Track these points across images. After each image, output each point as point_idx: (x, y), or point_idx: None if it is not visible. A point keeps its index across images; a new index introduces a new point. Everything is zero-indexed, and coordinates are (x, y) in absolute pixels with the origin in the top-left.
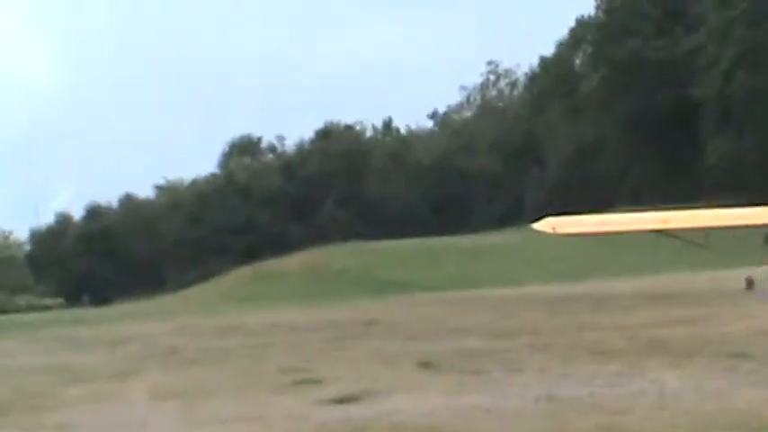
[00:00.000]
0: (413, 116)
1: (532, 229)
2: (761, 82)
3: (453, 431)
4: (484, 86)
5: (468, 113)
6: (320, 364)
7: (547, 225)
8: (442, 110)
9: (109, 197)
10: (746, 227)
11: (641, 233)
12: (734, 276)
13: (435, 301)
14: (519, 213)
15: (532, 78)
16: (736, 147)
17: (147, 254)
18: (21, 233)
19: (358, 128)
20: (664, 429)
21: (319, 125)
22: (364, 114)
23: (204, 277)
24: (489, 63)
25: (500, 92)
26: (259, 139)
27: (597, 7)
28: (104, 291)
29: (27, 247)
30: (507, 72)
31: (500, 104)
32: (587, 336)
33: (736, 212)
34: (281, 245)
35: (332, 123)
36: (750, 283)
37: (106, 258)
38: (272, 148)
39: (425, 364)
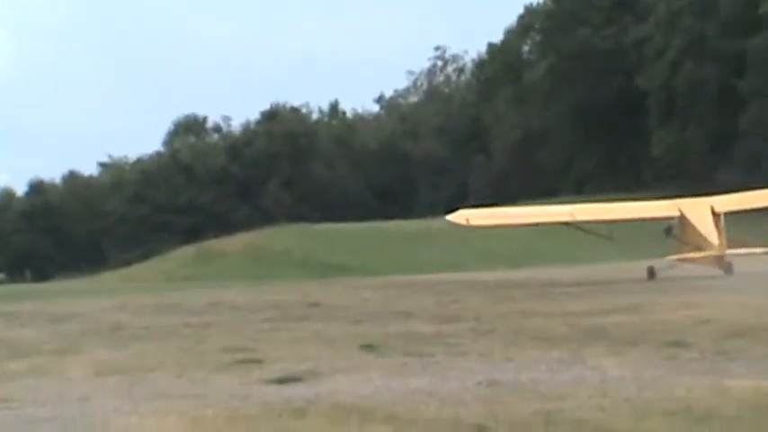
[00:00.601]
0: (359, 100)
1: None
2: (706, 73)
3: (394, 413)
4: (431, 72)
5: (414, 98)
6: (263, 345)
7: (461, 217)
8: (388, 94)
9: (53, 174)
10: (649, 219)
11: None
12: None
13: (379, 284)
14: (464, 199)
15: (480, 65)
16: (681, 138)
17: (89, 231)
18: None
19: (304, 110)
20: (604, 416)
21: (265, 106)
22: (311, 97)
23: (146, 256)
24: (437, 48)
25: (447, 78)
26: (204, 119)
27: None
28: (46, 267)
29: None
30: (455, 58)
31: (447, 90)
32: (530, 322)
33: (637, 206)
34: (224, 225)
35: (278, 105)
36: (651, 273)
37: (48, 234)
38: (218, 129)
39: (368, 347)
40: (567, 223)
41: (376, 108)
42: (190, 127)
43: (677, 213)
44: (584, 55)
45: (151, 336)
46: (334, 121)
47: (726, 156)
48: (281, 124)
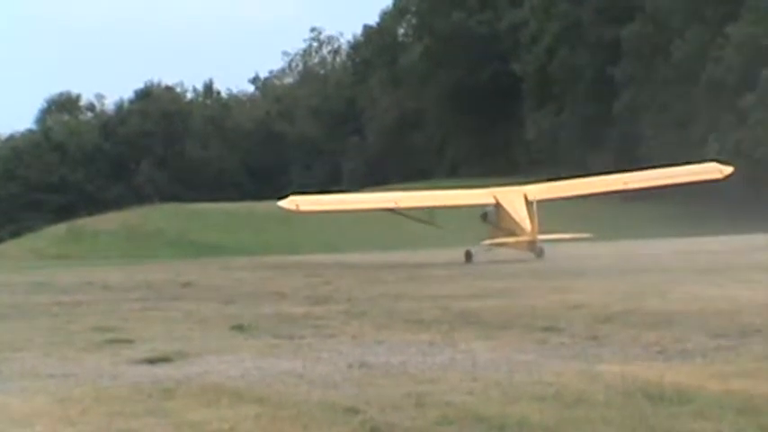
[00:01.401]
0: (234, 80)
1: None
2: (581, 59)
3: (264, 395)
4: (306, 53)
5: (289, 80)
6: (133, 324)
7: (291, 203)
8: (263, 75)
9: None
10: (468, 206)
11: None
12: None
13: (252, 265)
14: (338, 181)
15: (355, 47)
16: (554, 123)
17: None
18: None
19: (178, 90)
20: (474, 399)
21: (139, 85)
22: (185, 76)
23: (17, 234)
24: (312, 30)
25: (323, 59)
26: (78, 97)
27: None
28: None
29: None
30: (330, 39)
31: (322, 72)
32: (402, 305)
33: (457, 194)
34: (97, 204)
35: (152, 84)
36: (468, 256)
37: None
38: (91, 107)
39: (239, 328)
40: (391, 210)
41: (251, 89)
42: (63, 105)
43: (493, 201)
44: (459, 38)
45: (20, 314)
46: (208, 101)
47: (599, 140)
48: (154, 103)
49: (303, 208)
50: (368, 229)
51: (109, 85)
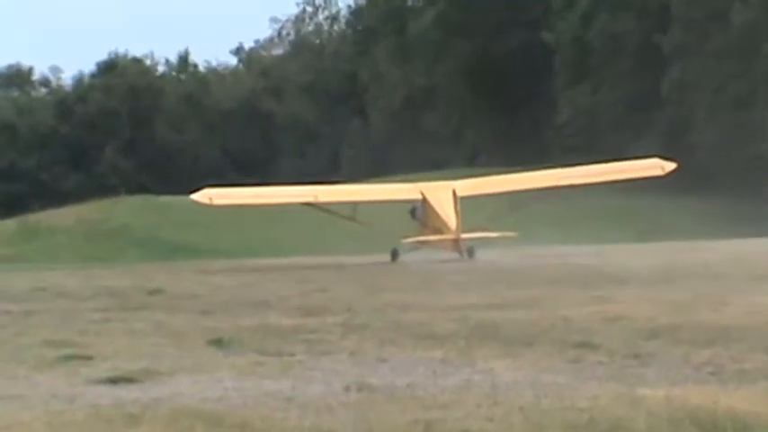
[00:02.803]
0: (214, 51)
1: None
2: (623, 26)
3: (246, 420)
4: (299, 20)
5: (279, 51)
6: (93, 338)
7: (204, 196)
8: (248, 45)
9: None
10: (393, 202)
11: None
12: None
13: (234, 269)
14: (336, 171)
15: (356, 12)
16: (591, 103)
17: None
18: None
19: (148, 62)
20: (494, 427)
21: (102, 56)
22: (156, 47)
23: None
24: None
25: (318, 27)
26: (30, 70)
27: None
28: None
29: None
30: (327, 3)
31: (317, 42)
32: (410, 316)
33: (381, 188)
34: (52, 196)
35: (117, 55)
36: (395, 255)
37: None
38: (46, 82)
39: (217, 342)
40: (310, 204)
41: (233, 61)
42: (12, 79)
43: (419, 196)
44: (478, 2)
45: None
46: (183, 76)
47: (643, 123)
48: (120, 78)
49: (217, 202)
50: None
51: (66, 57)
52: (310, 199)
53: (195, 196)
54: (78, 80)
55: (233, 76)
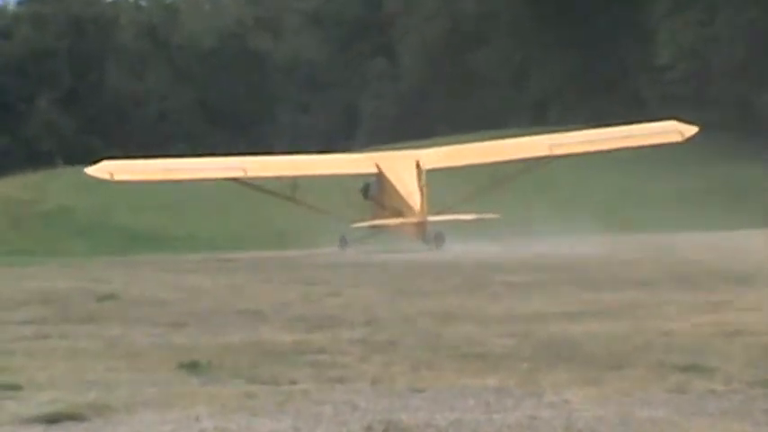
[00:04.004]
0: None
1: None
2: None
3: None
4: None
5: None
6: (24, 361)
7: (104, 170)
8: None
9: None
10: (339, 176)
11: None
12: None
13: (214, 266)
14: (352, 131)
15: None
16: (701, 37)
17: None
18: None
19: None
20: None
21: None
22: None
23: None
24: None
25: None
26: None
27: None
28: None
29: None
30: None
31: None
32: (452, 330)
33: (327, 160)
34: None
35: None
36: (343, 243)
37: None
38: None
39: (192, 366)
40: (237, 180)
41: None
42: None
43: (374, 170)
44: None
45: None
46: (143, 2)
47: None
48: (57, 4)
49: (119, 177)
50: None
51: None
52: (238, 174)
53: (92, 170)
54: (1, 10)
55: (212, 2)
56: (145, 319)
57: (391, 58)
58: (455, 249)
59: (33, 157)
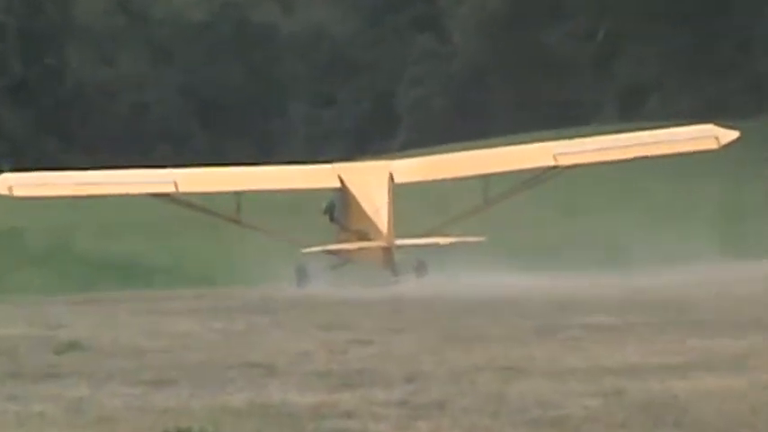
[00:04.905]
0: None
1: None
2: None
3: None
4: None
5: None
6: None
7: (2, 185)
8: None
9: None
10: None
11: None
12: None
13: (209, 304)
14: (388, 129)
15: None
16: None
17: None
18: None
19: None
20: None
21: None
22: None
23: None
24: None
25: None
26: None
27: None
28: None
29: None
30: None
31: None
32: (518, 387)
33: (280, 171)
34: None
35: None
36: (302, 274)
37: None
38: None
39: None
40: (168, 196)
41: None
42: None
43: (336, 184)
44: None
45: None
46: None
47: None
48: None
49: (19, 193)
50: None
51: None
52: (168, 189)
53: None
54: None
55: None
56: (118, 375)
57: (438, 33)
58: (524, 281)
59: None
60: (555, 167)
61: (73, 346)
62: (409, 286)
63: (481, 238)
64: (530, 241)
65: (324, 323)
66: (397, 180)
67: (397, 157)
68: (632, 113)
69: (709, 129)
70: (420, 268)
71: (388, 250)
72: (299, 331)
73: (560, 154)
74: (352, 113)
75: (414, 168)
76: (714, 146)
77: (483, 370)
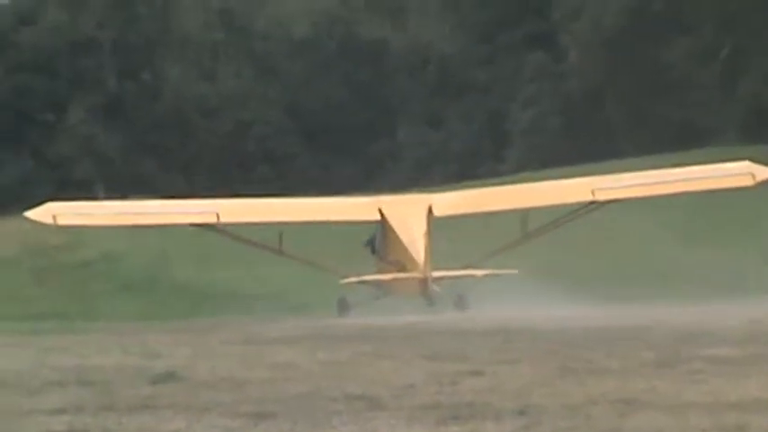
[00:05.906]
0: None
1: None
2: None
3: None
4: None
5: None
6: None
7: (45, 214)
8: None
9: None
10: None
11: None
12: None
13: (310, 333)
14: (500, 151)
15: None
16: None
17: None
18: None
19: None
20: None
21: None
22: None
23: None
24: None
25: None
26: None
27: None
28: None
29: None
30: None
31: None
32: (639, 422)
33: (324, 204)
34: None
35: None
36: (344, 306)
37: None
38: None
39: None
40: (211, 226)
41: None
42: None
43: (376, 216)
44: None
45: None
46: None
47: None
48: None
49: (63, 222)
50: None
51: None
52: (210, 219)
53: (31, 214)
54: None
55: None
56: (216, 407)
57: (553, 50)
58: (637, 312)
59: (65, 186)
60: (593, 203)
61: (169, 376)
62: (513, 315)
63: (514, 271)
64: (644, 271)
65: (430, 353)
66: (437, 213)
67: (509, 181)
68: (758, 135)
69: (746, 166)
70: (460, 302)
71: (424, 281)
72: (405, 361)
73: (599, 189)
74: (462, 135)
75: (453, 202)
76: (750, 182)
77: (600, 403)
